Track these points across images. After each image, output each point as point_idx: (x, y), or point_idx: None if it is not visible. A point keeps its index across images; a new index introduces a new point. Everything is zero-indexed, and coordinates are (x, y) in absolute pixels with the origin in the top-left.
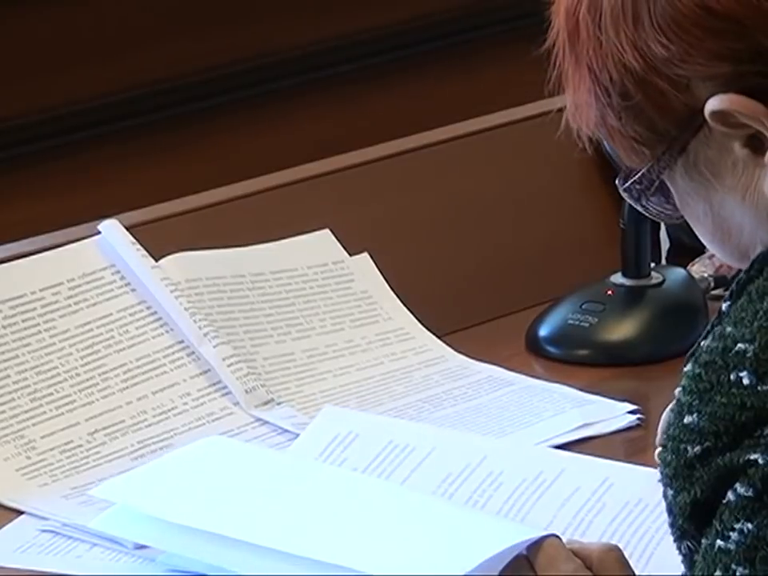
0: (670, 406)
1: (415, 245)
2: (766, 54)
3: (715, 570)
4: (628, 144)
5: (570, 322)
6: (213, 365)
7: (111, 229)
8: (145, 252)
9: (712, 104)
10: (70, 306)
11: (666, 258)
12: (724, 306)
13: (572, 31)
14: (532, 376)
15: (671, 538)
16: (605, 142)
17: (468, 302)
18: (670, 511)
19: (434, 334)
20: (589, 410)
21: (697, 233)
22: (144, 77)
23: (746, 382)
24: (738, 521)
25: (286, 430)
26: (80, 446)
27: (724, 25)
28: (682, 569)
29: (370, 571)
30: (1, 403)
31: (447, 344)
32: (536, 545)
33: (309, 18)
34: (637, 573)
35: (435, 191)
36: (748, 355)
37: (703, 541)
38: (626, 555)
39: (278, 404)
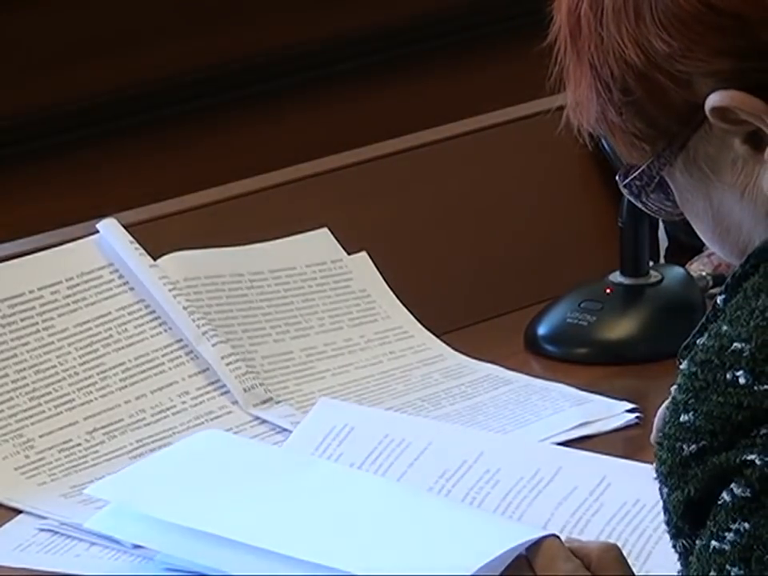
0: (666, 403)
1: (413, 243)
2: (767, 51)
3: (710, 571)
4: (628, 140)
5: (569, 320)
6: (211, 363)
7: (109, 228)
8: (143, 251)
9: (712, 100)
10: (68, 304)
11: (665, 257)
12: (719, 300)
13: (573, 27)
14: (531, 375)
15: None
16: (605, 139)
17: (467, 301)
18: (665, 509)
19: (432, 332)
20: (587, 409)
21: (696, 230)
22: (141, 76)
23: (742, 381)
24: (734, 521)
25: (285, 429)
26: (78, 444)
27: (725, 21)
28: (679, 567)
29: (369, 572)
30: None
31: (446, 342)
32: (535, 545)
33: (306, 17)
34: (635, 572)
35: (433, 190)
36: (744, 354)
37: (697, 542)
38: (624, 553)
39: (277, 403)
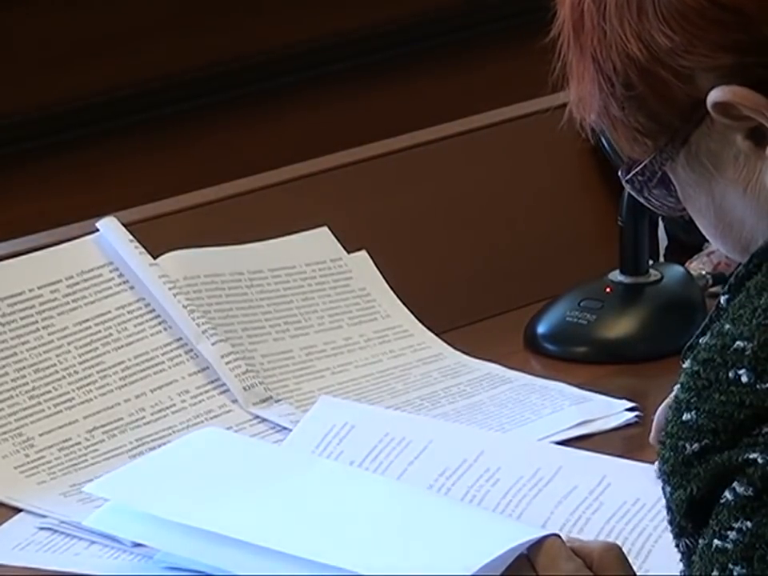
0: (665, 402)
1: (413, 242)
2: None
3: (712, 570)
4: (630, 135)
5: (569, 319)
6: (211, 362)
7: (109, 226)
8: (143, 249)
9: (714, 95)
10: (68, 303)
11: (664, 256)
12: (722, 299)
13: (577, 22)
14: (530, 373)
15: (669, 536)
16: (606, 135)
17: (466, 300)
18: (668, 508)
19: (432, 331)
20: (587, 408)
21: (699, 226)
22: (140, 75)
23: (744, 380)
24: (736, 520)
25: (285, 427)
26: (78, 443)
27: (728, 16)
28: (680, 566)
29: (371, 572)
30: None
31: (445, 341)
32: (537, 544)
33: (305, 16)
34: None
35: (433, 189)
36: (747, 353)
37: (700, 541)
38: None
39: (277, 401)
